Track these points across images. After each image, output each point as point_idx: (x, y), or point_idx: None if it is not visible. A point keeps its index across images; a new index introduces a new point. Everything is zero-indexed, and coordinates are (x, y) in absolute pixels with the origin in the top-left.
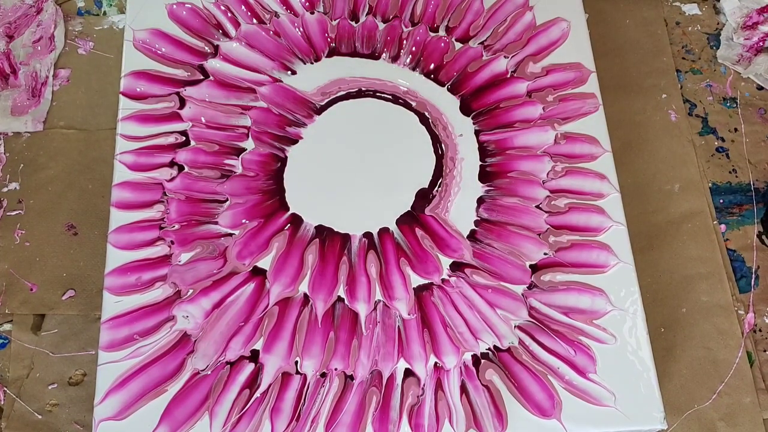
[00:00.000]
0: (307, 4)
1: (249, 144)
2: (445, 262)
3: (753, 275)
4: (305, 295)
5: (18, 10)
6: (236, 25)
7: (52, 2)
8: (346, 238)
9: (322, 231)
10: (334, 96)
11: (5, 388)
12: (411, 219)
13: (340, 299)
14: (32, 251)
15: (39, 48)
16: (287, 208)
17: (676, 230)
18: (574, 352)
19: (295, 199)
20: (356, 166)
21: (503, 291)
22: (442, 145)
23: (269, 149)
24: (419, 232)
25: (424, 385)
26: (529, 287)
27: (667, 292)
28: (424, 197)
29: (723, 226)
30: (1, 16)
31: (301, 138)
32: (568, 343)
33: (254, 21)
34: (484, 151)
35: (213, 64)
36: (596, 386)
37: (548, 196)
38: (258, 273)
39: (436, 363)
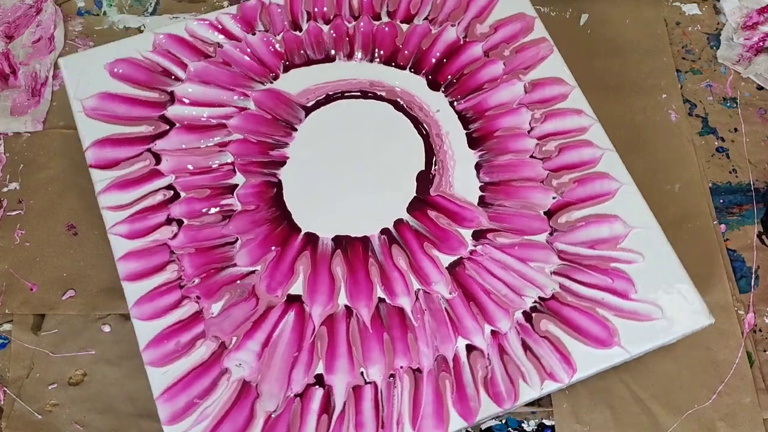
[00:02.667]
0: (246, 27)
1: (239, 179)
2: (466, 234)
3: (753, 275)
4: (346, 307)
5: (17, 11)
6: (183, 66)
7: (52, 2)
8: (365, 240)
9: (340, 241)
10: (304, 106)
11: (5, 388)
12: (420, 203)
13: (381, 300)
14: (32, 251)
15: (39, 48)
16: (299, 230)
17: (676, 230)
18: (612, 279)
19: (303, 218)
20: (350, 169)
21: (529, 244)
22: (424, 125)
23: (260, 178)
24: (432, 213)
25: (488, 354)
26: (551, 233)
27: None
28: (425, 179)
29: (723, 226)
30: (0, 16)
31: (287, 158)
32: (603, 273)
33: (200, 57)
34: (464, 120)
35: (174, 111)
36: (641, 304)
37: (537, 144)
38: (294, 300)
39: (492, 330)
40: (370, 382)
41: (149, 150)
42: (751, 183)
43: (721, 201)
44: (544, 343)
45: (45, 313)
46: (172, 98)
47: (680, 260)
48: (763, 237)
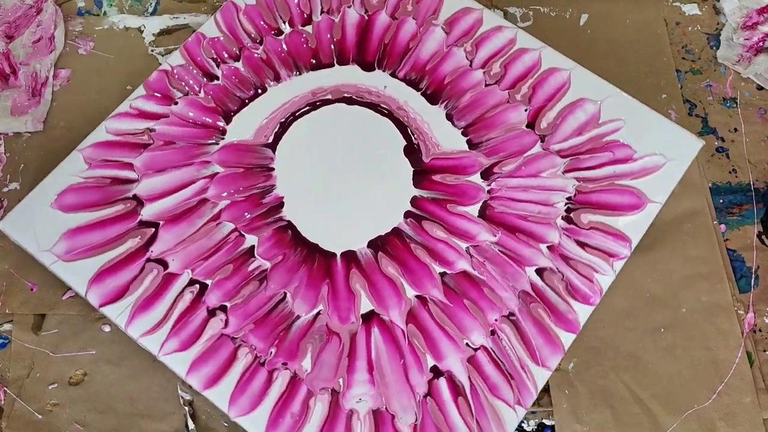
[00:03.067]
0: (163, 101)
1: (251, 239)
2: (476, 179)
3: (753, 275)
4: (417, 297)
5: (18, 11)
6: (129, 166)
7: (52, 2)
8: (396, 231)
9: (376, 243)
10: (266, 144)
11: (5, 388)
12: (422, 174)
13: (443, 274)
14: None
15: (39, 48)
16: (334, 254)
17: (676, 230)
18: (612, 152)
19: (331, 242)
20: (343, 177)
21: (531, 159)
22: (383, 106)
23: (270, 228)
24: (437, 177)
25: (557, 268)
26: (542, 140)
27: (667, 292)
28: (412, 151)
29: (723, 226)
30: (1, 16)
31: (282, 197)
32: (603, 150)
33: (139, 150)
34: (412, 83)
35: (150, 211)
36: (646, 159)
37: (484, 72)
38: (369, 317)
39: (547, 246)
40: (478, 348)
41: (149, 260)
42: (751, 183)
43: (721, 201)
44: (594, 233)
45: (45, 313)
46: (139, 200)
47: (680, 259)
48: (763, 237)
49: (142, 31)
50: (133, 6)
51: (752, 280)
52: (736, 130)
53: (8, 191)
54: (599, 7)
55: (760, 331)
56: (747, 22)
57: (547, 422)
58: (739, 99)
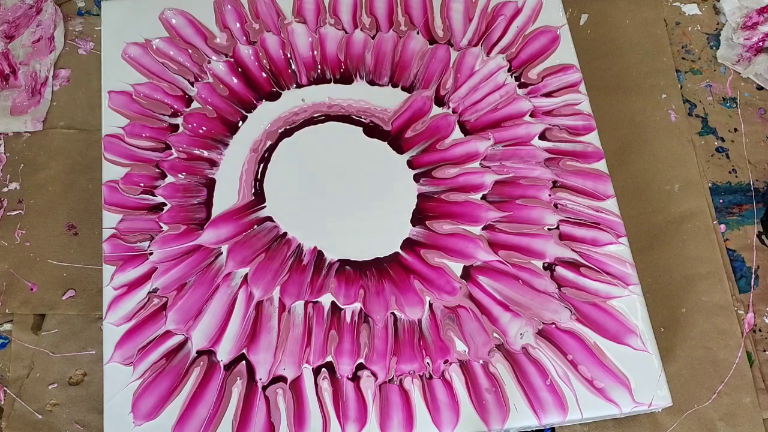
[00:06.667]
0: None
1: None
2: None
3: (753, 275)
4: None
5: (18, 10)
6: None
7: (52, 2)
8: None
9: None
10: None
11: (5, 388)
12: (398, 143)
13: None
14: (32, 251)
15: (39, 48)
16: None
17: (676, 230)
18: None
19: (365, 250)
20: (346, 193)
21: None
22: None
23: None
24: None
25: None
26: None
27: (667, 292)
28: (371, 129)
29: (723, 226)
30: (1, 16)
31: (297, 241)
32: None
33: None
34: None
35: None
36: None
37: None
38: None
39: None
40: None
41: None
42: (751, 183)
43: (721, 201)
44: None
45: (45, 313)
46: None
47: (680, 259)
48: (763, 237)
49: None
50: None
51: (752, 280)
52: (735, 130)
53: (8, 191)
54: (599, 7)
55: (760, 331)
56: (747, 22)
57: None
58: (739, 99)
